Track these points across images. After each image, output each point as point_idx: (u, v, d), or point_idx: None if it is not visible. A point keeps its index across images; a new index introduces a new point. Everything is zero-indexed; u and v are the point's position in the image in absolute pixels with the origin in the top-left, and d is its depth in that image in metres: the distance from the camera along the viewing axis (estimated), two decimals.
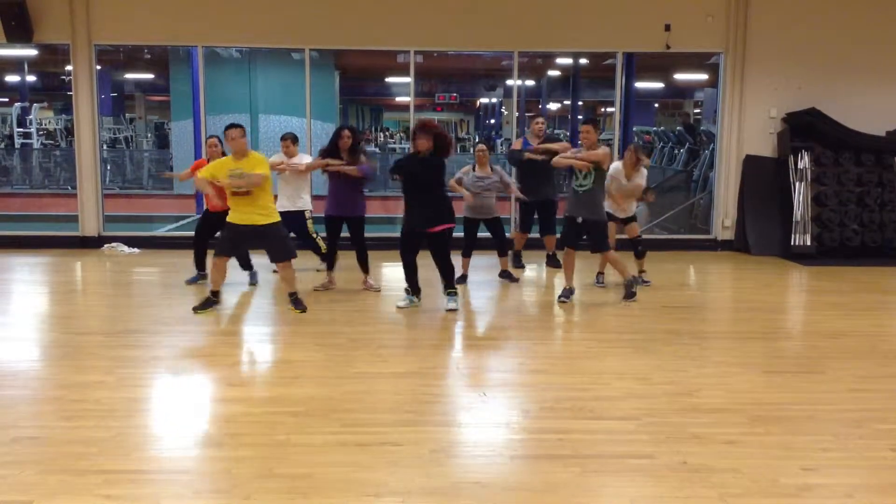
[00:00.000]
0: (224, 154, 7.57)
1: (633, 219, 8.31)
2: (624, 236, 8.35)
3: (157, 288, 8.64)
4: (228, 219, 6.76)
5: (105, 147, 17.16)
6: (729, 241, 11.08)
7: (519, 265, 9.28)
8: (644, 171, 8.13)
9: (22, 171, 19.12)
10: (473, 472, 3.78)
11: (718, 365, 5.62)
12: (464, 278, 8.28)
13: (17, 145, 19.70)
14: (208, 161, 7.65)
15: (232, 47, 13.67)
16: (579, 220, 7.34)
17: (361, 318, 6.95)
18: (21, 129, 19.95)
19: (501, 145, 23.62)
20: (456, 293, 7.13)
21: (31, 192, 17.90)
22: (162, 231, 11.98)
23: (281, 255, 6.78)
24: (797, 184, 10.56)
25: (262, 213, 6.67)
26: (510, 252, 9.00)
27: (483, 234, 8.44)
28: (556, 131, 29.41)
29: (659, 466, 3.82)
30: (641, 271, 8.40)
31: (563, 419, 4.48)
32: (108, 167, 17.66)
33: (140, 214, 14.94)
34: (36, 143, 20.04)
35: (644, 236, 8.84)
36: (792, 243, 10.45)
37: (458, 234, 7.64)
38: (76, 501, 3.42)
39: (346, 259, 8.93)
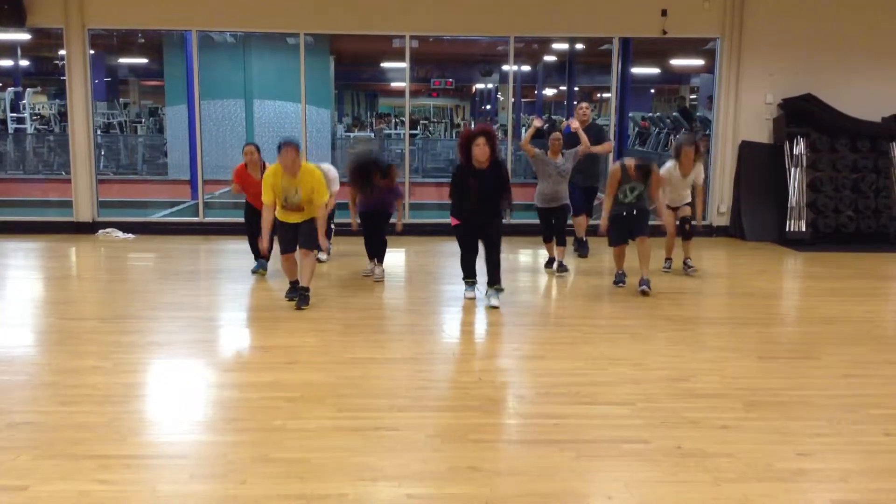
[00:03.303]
0: (263, 163, 7.63)
1: (689, 204, 8.22)
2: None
3: (152, 273, 8.63)
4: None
5: (99, 132, 17.09)
6: (724, 227, 11.08)
7: (584, 253, 9.14)
8: (701, 167, 8.13)
9: (15, 156, 19.03)
10: (469, 457, 3.78)
11: (713, 350, 5.64)
12: (552, 262, 8.31)
13: (10, 130, 19.61)
14: (245, 166, 7.71)
15: (226, 32, 13.59)
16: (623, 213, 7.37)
17: (357, 304, 6.95)
18: (14, 115, 19.85)
19: (497, 130, 23.58)
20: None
21: (25, 178, 17.82)
22: (156, 216, 11.94)
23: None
24: (793, 170, 10.56)
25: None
26: (574, 239, 9.02)
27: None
28: (553, 117, 29.34)
29: (653, 451, 3.84)
30: (686, 257, 8.27)
31: (559, 404, 4.49)
32: (103, 152, 17.60)
33: (134, 200, 14.89)
34: (30, 128, 19.95)
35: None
36: (787, 229, 10.46)
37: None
38: (72, 486, 3.42)
39: (344, 246, 8.95)
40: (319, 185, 6.62)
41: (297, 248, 6.72)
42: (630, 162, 7.23)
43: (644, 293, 7.18)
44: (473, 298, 6.99)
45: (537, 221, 8.29)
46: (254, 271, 7.90)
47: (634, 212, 7.35)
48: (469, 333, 6.33)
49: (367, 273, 7.93)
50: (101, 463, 3.64)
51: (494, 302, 6.75)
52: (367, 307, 6.90)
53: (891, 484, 3.57)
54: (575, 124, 8.42)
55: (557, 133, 8.20)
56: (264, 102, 15.96)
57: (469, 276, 7.08)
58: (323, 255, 8.29)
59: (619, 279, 7.57)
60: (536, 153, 7.98)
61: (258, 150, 7.73)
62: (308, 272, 6.68)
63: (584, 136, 8.17)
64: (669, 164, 8.04)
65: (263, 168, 7.54)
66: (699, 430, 4.12)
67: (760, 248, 10.20)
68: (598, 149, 8.72)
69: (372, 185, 7.58)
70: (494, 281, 6.83)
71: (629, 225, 7.39)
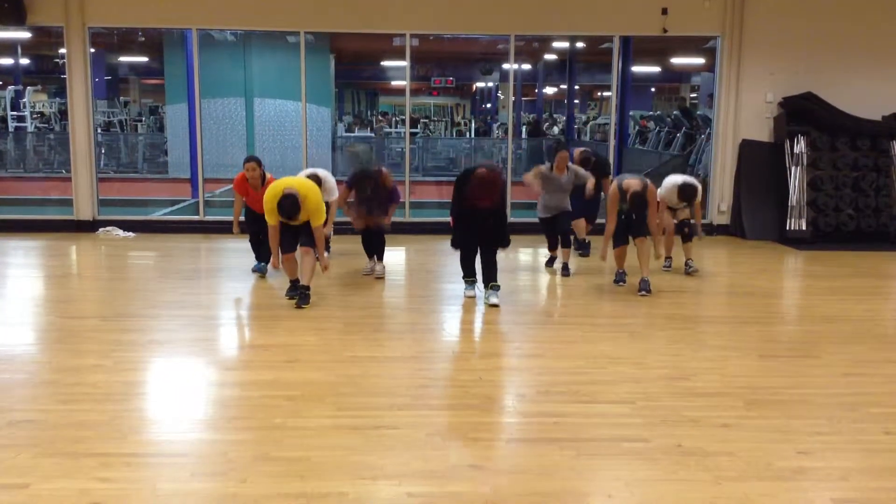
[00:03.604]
0: (264, 174, 7.54)
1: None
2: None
3: (153, 272, 8.63)
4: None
5: (99, 130, 17.08)
6: (725, 226, 11.07)
7: (586, 253, 9.11)
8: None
9: (16, 154, 19.03)
10: (469, 456, 3.79)
11: (713, 349, 5.64)
12: (552, 261, 8.43)
13: (10, 129, 19.62)
14: (248, 181, 7.58)
15: (227, 30, 13.58)
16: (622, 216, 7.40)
17: (357, 302, 6.95)
18: (15, 113, 19.86)
19: (497, 129, 23.59)
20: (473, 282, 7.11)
21: (26, 176, 17.82)
22: (157, 215, 11.95)
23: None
24: (793, 168, 10.56)
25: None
26: (575, 239, 8.95)
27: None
28: (553, 115, 29.31)
29: (654, 450, 3.84)
30: (688, 258, 8.22)
31: (559, 403, 4.49)
32: (103, 151, 17.60)
33: (135, 198, 14.89)
34: (30, 126, 19.96)
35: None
36: (787, 228, 10.46)
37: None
38: (72, 484, 3.43)
39: (343, 244, 8.95)
40: (316, 211, 6.59)
41: (298, 246, 6.72)
42: (628, 186, 7.18)
43: (643, 297, 7.17)
44: (473, 297, 6.99)
45: (537, 220, 8.29)
46: (254, 270, 7.90)
47: (633, 214, 7.37)
48: (469, 332, 6.34)
49: (367, 272, 7.94)
50: (102, 461, 3.64)
51: (494, 300, 6.74)
52: (367, 306, 6.91)
53: (891, 483, 3.57)
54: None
55: (564, 152, 8.22)
56: (265, 101, 15.96)
57: (469, 274, 7.09)
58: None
59: (620, 278, 7.58)
60: (541, 171, 8.03)
61: (260, 164, 7.58)
62: (308, 270, 6.67)
63: (591, 180, 8.20)
64: (670, 185, 7.91)
65: (264, 177, 7.53)
66: (699, 428, 4.12)
67: (761, 247, 10.20)
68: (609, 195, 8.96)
69: (367, 192, 7.54)
70: (490, 279, 6.86)
71: (628, 226, 7.43)
